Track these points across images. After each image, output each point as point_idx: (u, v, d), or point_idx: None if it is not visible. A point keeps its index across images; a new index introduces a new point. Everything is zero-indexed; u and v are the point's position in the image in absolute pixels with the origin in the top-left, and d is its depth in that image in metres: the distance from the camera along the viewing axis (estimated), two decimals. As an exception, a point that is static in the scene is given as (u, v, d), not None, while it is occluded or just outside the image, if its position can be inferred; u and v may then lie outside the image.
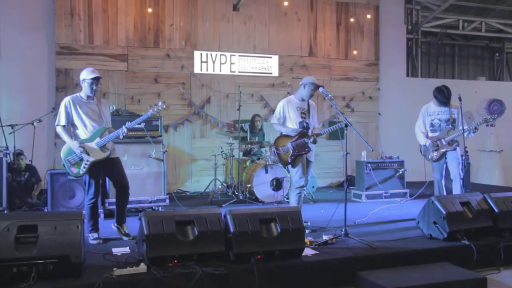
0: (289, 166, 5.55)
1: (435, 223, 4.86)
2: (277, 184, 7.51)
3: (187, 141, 9.23)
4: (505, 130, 11.30)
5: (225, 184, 8.35)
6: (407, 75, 11.60)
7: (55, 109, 7.98)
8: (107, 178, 6.01)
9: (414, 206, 6.83)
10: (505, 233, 5.00)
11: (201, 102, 9.27)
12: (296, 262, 4.17)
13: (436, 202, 4.88)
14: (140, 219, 4.00)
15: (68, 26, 8.42)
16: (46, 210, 6.27)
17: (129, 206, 5.79)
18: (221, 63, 9.41)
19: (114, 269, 3.72)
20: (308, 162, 5.59)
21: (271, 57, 9.76)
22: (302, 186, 5.42)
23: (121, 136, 4.93)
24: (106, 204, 6.29)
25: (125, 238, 4.99)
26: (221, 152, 8.34)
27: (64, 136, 4.88)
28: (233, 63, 9.49)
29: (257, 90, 9.61)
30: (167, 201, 6.73)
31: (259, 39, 9.71)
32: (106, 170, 5.11)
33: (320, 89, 5.36)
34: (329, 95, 5.23)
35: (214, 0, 9.36)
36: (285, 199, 7.33)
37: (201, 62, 9.28)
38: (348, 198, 5.44)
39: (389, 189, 8.02)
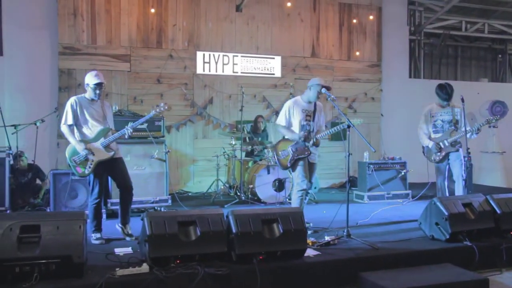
0: (290, 170, 5.55)
1: (437, 224, 4.86)
2: (279, 185, 7.52)
3: (189, 141, 9.24)
4: (508, 132, 11.29)
5: (227, 185, 8.35)
6: (410, 76, 11.61)
7: (58, 109, 8.02)
8: (109, 179, 6.01)
9: (416, 207, 6.82)
10: (507, 234, 5.00)
11: (204, 103, 9.28)
12: (298, 262, 4.18)
13: (438, 203, 4.88)
14: (142, 219, 4.01)
15: (71, 26, 8.44)
16: (48, 210, 6.28)
17: (131, 206, 5.82)
18: (223, 64, 9.42)
19: (117, 269, 3.73)
20: (312, 164, 5.56)
21: (273, 58, 9.77)
22: (304, 189, 5.39)
23: (126, 136, 4.96)
24: (109, 205, 6.30)
25: (128, 238, 5.01)
26: (223, 152, 8.35)
27: (69, 136, 4.91)
28: (236, 64, 9.50)
29: (259, 91, 9.61)
30: (169, 201, 6.75)
31: (261, 39, 9.71)
32: (110, 171, 5.13)
33: (323, 90, 5.32)
34: (332, 96, 5.21)
35: (217, 0, 9.37)
36: (287, 199, 7.33)
37: (204, 62, 9.29)
38: (350, 199, 5.45)
39: (391, 190, 8.01)
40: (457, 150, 6.03)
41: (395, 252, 4.55)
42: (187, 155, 9.22)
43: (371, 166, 7.96)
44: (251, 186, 7.55)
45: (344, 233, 4.90)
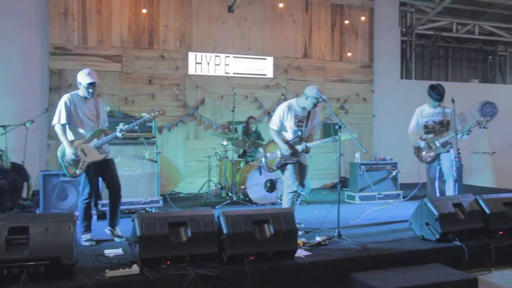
0: (279, 171, 5.54)
1: (427, 224, 4.89)
2: (271, 186, 7.52)
3: (181, 142, 9.22)
4: (498, 132, 11.36)
5: (219, 186, 8.34)
6: (401, 77, 11.65)
7: (48, 110, 7.97)
8: (100, 179, 5.98)
9: (407, 207, 6.84)
10: (496, 234, 5.04)
11: (196, 104, 9.26)
12: (289, 263, 4.18)
13: (428, 204, 4.91)
14: (133, 220, 3.99)
15: (62, 26, 8.38)
16: (38, 212, 6.24)
17: (122, 207, 5.79)
18: (215, 65, 9.40)
19: (107, 270, 3.72)
20: (303, 166, 5.55)
21: (265, 59, 9.77)
22: (295, 191, 5.38)
23: (120, 136, 4.93)
24: (99, 206, 6.27)
25: (117, 239, 4.98)
26: (215, 153, 8.33)
27: (62, 136, 4.85)
28: (228, 65, 9.49)
29: (251, 92, 9.61)
30: (161, 202, 6.72)
31: (253, 40, 9.71)
32: (100, 171, 5.10)
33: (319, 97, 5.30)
34: (323, 97, 5.21)
35: (209, 1, 9.35)
36: (278, 200, 7.32)
37: (196, 63, 9.27)
38: (341, 199, 5.46)
39: (382, 190, 8.04)
40: (448, 151, 6.07)
41: (386, 252, 4.57)
42: (178, 156, 9.20)
43: (363, 166, 7.98)
44: (243, 187, 7.54)
45: (335, 234, 4.92)
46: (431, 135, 6.19)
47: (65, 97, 4.89)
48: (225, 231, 4.04)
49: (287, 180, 5.42)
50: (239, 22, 9.60)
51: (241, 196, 7.65)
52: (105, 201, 5.97)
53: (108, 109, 7.11)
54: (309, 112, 5.47)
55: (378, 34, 10.81)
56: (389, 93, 10.79)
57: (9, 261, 3.45)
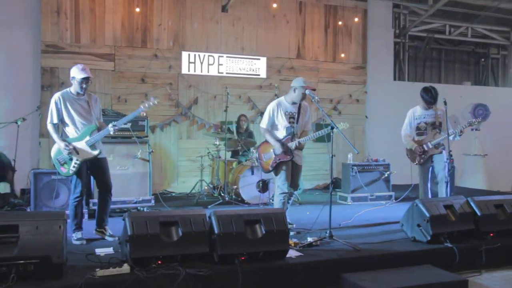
0: (273, 172, 5.54)
1: (418, 225, 4.90)
2: (263, 186, 7.52)
3: (173, 141, 9.20)
4: (490, 135, 11.45)
5: (211, 185, 8.33)
6: (394, 79, 11.68)
7: (40, 108, 7.91)
8: (92, 178, 5.95)
9: (399, 209, 6.86)
10: (487, 236, 5.06)
11: (188, 103, 9.24)
12: (280, 263, 4.18)
13: (420, 205, 4.92)
14: (124, 219, 3.97)
15: (54, 24, 8.33)
16: (29, 210, 6.20)
17: (113, 206, 5.79)
18: (209, 64, 9.39)
19: (97, 269, 3.70)
20: (297, 166, 5.54)
21: (259, 59, 9.77)
22: (286, 193, 5.37)
23: (112, 133, 4.89)
24: (91, 205, 6.23)
25: (110, 239, 4.94)
26: (208, 153, 8.32)
27: (54, 135, 4.84)
28: (221, 64, 9.48)
29: (244, 92, 9.60)
30: (153, 201, 6.69)
31: (247, 40, 9.71)
32: (93, 170, 5.08)
33: (307, 92, 5.31)
34: (316, 98, 5.20)
35: (203, 1, 9.34)
36: (270, 200, 7.32)
37: (189, 62, 9.25)
38: (334, 200, 5.48)
39: (374, 191, 8.05)
40: (440, 152, 6.08)
41: (377, 253, 4.58)
42: (171, 155, 9.17)
43: (355, 167, 7.98)
44: (235, 187, 7.54)
45: (327, 234, 4.91)
46: (423, 137, 6.21)
47: (55, 97, 4.86)
48: (216, 231, 4.03)
49: (278, 181, 5.41)
50: (233, 22, 9.59)
51: (234, 196, 7.64)
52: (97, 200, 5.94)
53: (100, 107, 7.09)
54: (299, 108, 5.47)
55: (371, 36, 10.85)
56: (382, 94, 10.82)
57: (-2, 259, 3.42)
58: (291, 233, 4.88)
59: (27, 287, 3.42)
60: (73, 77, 4.84)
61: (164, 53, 9.04)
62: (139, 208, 6.63)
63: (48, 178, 6.14)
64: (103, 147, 5.12)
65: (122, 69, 8.78)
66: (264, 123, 5.50)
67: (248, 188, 7.47)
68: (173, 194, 8.79)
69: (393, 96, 10.73)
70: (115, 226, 5.03)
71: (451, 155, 5.81)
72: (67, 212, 4.78)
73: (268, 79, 9.77)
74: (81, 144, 4.84)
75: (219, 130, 9.04)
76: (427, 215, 4.80)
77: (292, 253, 4.37)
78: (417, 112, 6.30)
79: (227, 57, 9.51)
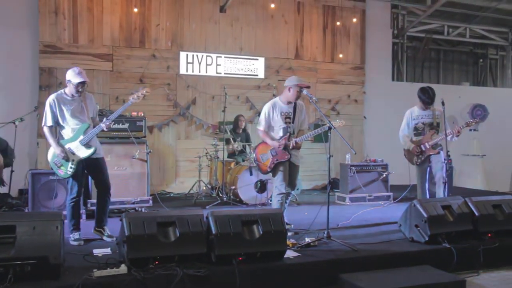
0: (271, 173, 5.53)
1: (416, 226, 4.90)
2: (261, 186, 7.52)
3: (172, 142, 9.19)
4: (488, 135, 11.46)
5: (209, 186, 8.32)
6: (393, 79, 11.70)
7: (37, 108, 7.91)
8: (90, 178, 5.94)
9: (397, 209, 6.86)
10: (485, 237, 5.06)
11: (187, 103, 9.23)
12: (278, 264, 4.17)
13: (418, 206, 4.92)
14: (121, 220, 3.97)
15: (52, 24, 8.32)
16: (26, 211, 6.19)
17: (111, 207, 5.77)
18: (207, 64, 9.39)
19: (94, 270, 3.69)
20: (294, 166, 5.53)
21: (257, 59, 9.76)
22: (284, 193, 5.36)
23: (105, 129, 4.88)
24: (89, 205, 6.23)
25: (108, 239, 4.93)
26: (206, 153, 8.31)
27: (50, 139, 4.83)
28: (219, 65, 9.47)
29: (243, 92, 9.60)
30: (151, 202, 6.69)
31: (245, 41, 9.71)
32: (90, 170, 5.07)
33: (305, 92, 5.29)
34: (313, 98, 5.20)
35: (201, 1, 9.34)
36: (269, 201, 7.30)
37: (187, 63, 9.25)
38: (332, 200, 5.47)
39: (373, 192, 8.05)
40: (438, 153, 6.08)
41: (375, 253, 4.57)
42: (169, 155, 9.17)
43: (353, 168, 7.98)
44: (233, 187, 7.53)
45: (325, 235, 4.90)
46: (421, 137, 6.21)
47: (49, 99, 4.84)
48: (213, 231, 4.02)
49: (276, 181, 5.40)
50: (231, 22, 9.59)
51: (232, 197, 7.64)
52: (95, 200, 5.93)
53: (98, 108, 7.08)
54: (295, 107, 5.46)
55: (370, 36, 10.85)
56: (381, 95, 10.82)
57: (-5, 260, 3.41)
58: (289, 234, 4.87)
59: (24, 287, 3.40)
60: (69, 81, 4.81)
61: (162, 54, 9.03)
62: (137, 208, 6.62)
63: (46, 178, 6.14)
64: (100, 146, 5.11)
65: (120, 69, 8.77)
66: (260, 125, 5.49)
67: (246, 189, 7.47)
68: (171, 195, 8.79)
69: (391, 96, 10.73)
70: (113, 226, 5.03)
71: (449, 156, 5.81)
72: (64, 212, 4.77)
73: (266, 80, 9.77)
74: (76, 144, 4.83)
75: (217, 130, 9.03)
76: (425, 215, 4.80)
77: (290, 254, 4.36)
78: (414, 112, 6.31)
79: (225, 57, 9.50)
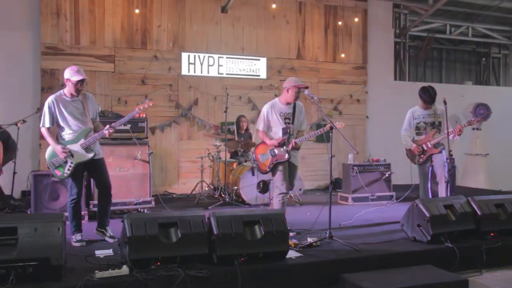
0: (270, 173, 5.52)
1: (419, 225, 4.88)
2: (264, 187, 7.50)
3: (174, 142, 9.20)
4: (491, 134, 11.43)
5: (211, 186, 8.32)
6: (395, 79, 11.68)
7: (40, 110, 7.90)
8: (91, 179, 5.95)
9: (400, 209, 6.84)
10: (487, 236, 5.04)
11: (189, 104, 9.24)
12: (280, 264, 4.16)
13: (420, 205, 4.91)
14: (123, 221, 3.97)
15: (54, 26, 8.35)
16: (29, 212, 6.20)
17: (113, 208, 5.77)
18: (209, 65, 9.39)
19: (96, 271, 3.69)
20: (293, 166, 5.52)
21: (259, 60, 9.76)
22: (284, 193, 5.34)
23: (107, 135, 4.89)
24: (91, 206, 6.23)
25: (110, 240, 4.93)
26: (208, 154, 8.31)
27: (49, 138, 4.83)
28: (221, 65, 9.48)
29: (245, 93, 9.60)
30: (153, 203, 6.68)
31: (247, 41, 9.70)
32: (90, 171, 5.07)
33: (306, 92, 5.29)
34: (315, 98, 5.19)
35: (202, 2, 9.34)
36: (271, 201, 7.30)
37: (189, 64, 9.25)
38: (334, 200, 5.45)
39: (375, 192, 8.03)
40: (440, 152, 6.07)
41: (377, 253, 4.56)
42: (171, 156, 9.17)
43: (355, 168, 7.97)
44: (236, 187, 7.53)
45: (327, 235, 4.89)
46: (422, 137, 6.19)
47: (48, 100, 4.83)
48: (215, 232, 4.01)
49: (276, 181, 5.40)
50: (233, 23, 9.59)
51: (234, 197, 7.63)
52: (97, 201, 5.94)
53: (100, 109, 7.09)
54: (294, 108, 5.45)
55: (372, 36, 10.84)
56: (383, 94, 10.81)
57: (-3, 262, 3.42)
58: (291, 234, 4.86)
59: (25, 289, 3.42)
60: (68, 79, 4.79)
61: (164, 55, 9.04)
62: (139, 209, 6.62)
63: (48, 180, 6.12)
64: (100, 148, 5.10)
65: (122, 70, 8.79)
66: (259, 125, 5.49)
67: (248, 189, 7.46)
68: (174, 195, 8.80)
69: (393, 96, 10.72)
70: (115, 228, 5.02)
71: (451, 155, 5.79)
72: (66, 214, 4.77)
73: (268, 80, 9.77)
74: (76, 147, 4.82)
75: (219, 131, 9.03)
76: (427, 215, 4.78)
77: (292, 254, 4.36)
78: (416, 112, 6.30)
79: (227, 58, 9.51)
